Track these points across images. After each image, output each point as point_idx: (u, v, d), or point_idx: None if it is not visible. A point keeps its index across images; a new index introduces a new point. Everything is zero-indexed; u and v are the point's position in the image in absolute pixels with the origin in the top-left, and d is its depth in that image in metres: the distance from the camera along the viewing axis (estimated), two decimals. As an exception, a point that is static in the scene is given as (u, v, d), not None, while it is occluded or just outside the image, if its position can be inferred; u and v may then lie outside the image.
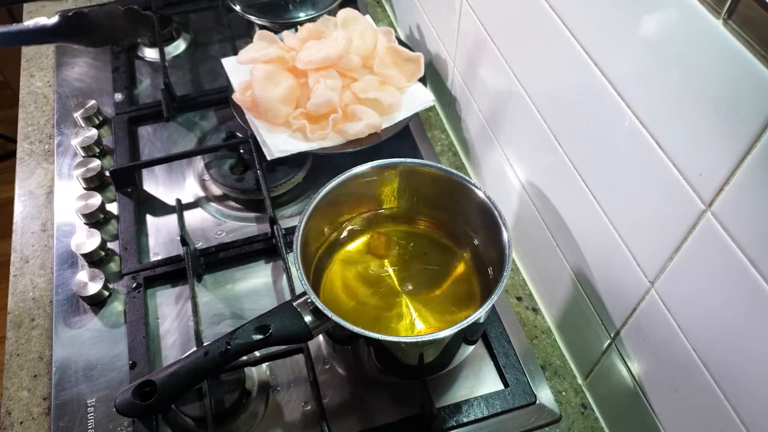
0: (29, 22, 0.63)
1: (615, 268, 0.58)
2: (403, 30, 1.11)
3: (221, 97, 0.94)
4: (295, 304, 0.58)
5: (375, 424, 0.66)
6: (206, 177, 0.88)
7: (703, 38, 0.41)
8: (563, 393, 0.70)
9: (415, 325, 0.65)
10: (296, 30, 0.92)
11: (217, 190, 0.87)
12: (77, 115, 0.94)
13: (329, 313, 0.55)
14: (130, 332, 0.72)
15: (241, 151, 0.88)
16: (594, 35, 0.53)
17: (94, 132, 0.91)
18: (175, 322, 0.74)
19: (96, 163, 0.87)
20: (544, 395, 0.68)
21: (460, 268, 0.70)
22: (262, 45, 0.89)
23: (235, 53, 0.91)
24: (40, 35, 0.63)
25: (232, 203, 0.86)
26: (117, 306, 0.75)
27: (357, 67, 0.86)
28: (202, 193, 0.87)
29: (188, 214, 0.84)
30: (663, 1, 0.44)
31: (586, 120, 0.57)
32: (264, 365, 0.70)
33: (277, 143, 0.82)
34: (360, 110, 0.83)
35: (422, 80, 0.90)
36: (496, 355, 0.71)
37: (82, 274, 0.75)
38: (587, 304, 0.65)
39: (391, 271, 0.69)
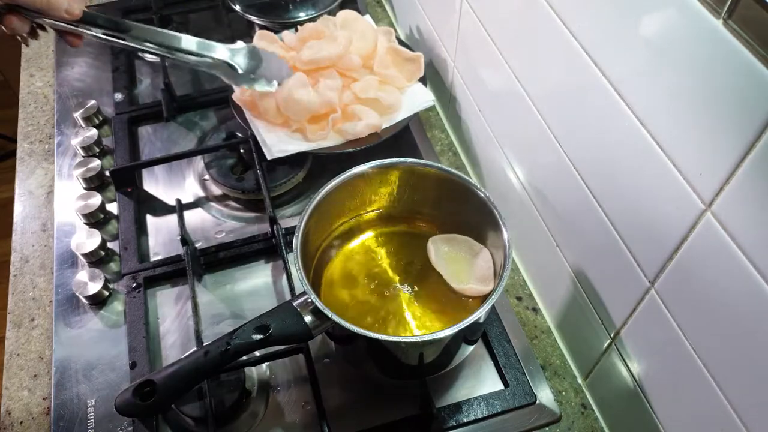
0: None
1: (615, 268, 0.58)
2: (403, 30, 1.11)
3: (221, 97, 0.94)
4: (295, 304, 0.58)
5: (375, 424, 0.66)
6: (206, 177, 0.88)
7: (703, 38, 0.41)
8: (563, 393, 0.70)
9: (415, 324, 0.65)
10: (296, 30, 0.92)
11: (217, 190, 0.87)
12: (77, 115, 0.94)
13: (329, 313, 0.55)
14: (130, 332, 0.72)
15: (241, 151, 0.88)
16: (594, 35, 0.53)
17: (94, 132, 0.91)
18: (175, 322, 0.74)
19: (96, 163, 0.87)
20: (544, 395, 0.68)
21: (460, 268, 0.69)
22: (262, 45, 0.89)
23: (235, 53, 0.91)
24: None
25: (232, 203, 0.86)
26: (117, 306, 0.75)
27: (357, 67, 0.86)
28: (202, 193, 0.87)
29: (188, 214, 0.84)
30: (663, 1, 0.44)
31: (586, 120, 0.58)
32: (264, 365, 0.70)
33: (277, 143, 0.82)
34: (360, 110, 0.83)
35: (422, 80, 0.90)
36: (496, 355, 0.71)
37: (82, 274, 0.75)
38: (587, 304, 0.65)
39: (391, 270, 0.69)
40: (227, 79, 0.75)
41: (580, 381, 0.71)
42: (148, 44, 0.67)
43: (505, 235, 0.61)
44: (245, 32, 1.05)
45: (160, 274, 0.77)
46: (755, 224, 0.41)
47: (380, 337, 0.56)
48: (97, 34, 0.64)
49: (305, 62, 0.85)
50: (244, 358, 0.63)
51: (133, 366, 0.69)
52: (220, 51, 0.72)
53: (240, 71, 0.71)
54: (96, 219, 0.83)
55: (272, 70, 0.77)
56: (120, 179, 0.85)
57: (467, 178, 0.66)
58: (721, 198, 0.43)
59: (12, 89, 1.88)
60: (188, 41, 0.70)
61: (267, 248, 0.80)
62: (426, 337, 0.58)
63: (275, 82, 0.76)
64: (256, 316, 0.58)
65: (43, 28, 0.64)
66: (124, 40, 0.65)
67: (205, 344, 0.59)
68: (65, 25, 0.62)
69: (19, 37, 0.61)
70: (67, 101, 0.98)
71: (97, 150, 0.91)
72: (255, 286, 0.78)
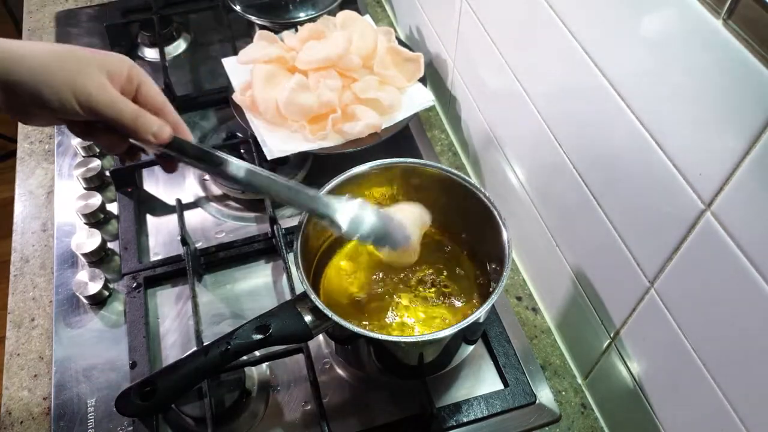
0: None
1: (615, 268, 0.58)
2: (403, 30, 1.11)
3: (221, 97, 0.94)
4: (295, 304, 0.58)
5: (375, 424, 0.66)
6: (206, 177, 0.88)
7: (703, 38, 0.41)
8: (563, 393, 0.70)
9: (415, 324, 0.65)
10: (296, 30, 0.92)
11: (217, 190, 0.87)
12: (77, 115, 0.94)
13: (329, 313, 0.55)
14: (130, 332, 0.72)
15: (241, 151, 0.88)
16: (594, 35, 0.53)
17: (94, 132, 0.90)
18: (175, 322, 0.75)
19: (96, 162, 0.87)
20: (544, 395, 0.68)
21: (460, 268, 0.70)
22: (262, 45, 0.89)
23: (235, 53, 0.91)
24: None
25: (232, 203, 0.86)
26: (117, 306, 0.75)
27: (357, 67, 0.86)
28: (202, 193, 0.87)
29: (188, 214, 0.84)
30: (663, 1, 0.44)
31: (586, 120, 0.58)
32: (264, 365, 0.70)
33: (277, 143, 0.82)
34: (360, 110, 0.83)
35: (422, 80, 0.90)
36: (496, 355, 0.71)
37: (82, 274, 0.75)
38: (587, 304, 0.65)
39: (391, 271, 0.69)
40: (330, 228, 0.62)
41: (579, 381, 0.71)
42: (242, 182, 0.56)
43: (505, 235, 0.61)
44: (245, 32, 1.06)
45: (160, 274, 0.77)
46: (755, 224, 0.41)
47: (380, 337, 0.56)
48: (190, 162, 0.56)
49: (305, 62, 0.85)
50: (244, 358, 0.63)
51: (133, 366, 0.69)
52: (324, 205, 0.60)
53: (342, 230, 0.59)
54: (96, 219, 0.83)
55: (384, 236, 0.62)
56: (120, 179, 0.85)
57: (467, 178, 0.66)
58: (721, 198, 0.43)
59: (12, 89, 1.87)
60: (289, 189, 0.58)
61: (267, 248, 0.80)
62: (426, 337, 0.58)
63: (384, 249, 0.64)
64: (256, 316, 0.58)
65: (144, 151, 0.58)
66: (219, 171, 0.56)
67: (205, 344, 0.59)
68: (160, 148, 0.54)
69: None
70: (67, 101, 0.98)
71: (98, 150, 0.91)
72: (255, 286, 0.78)
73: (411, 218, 0.64)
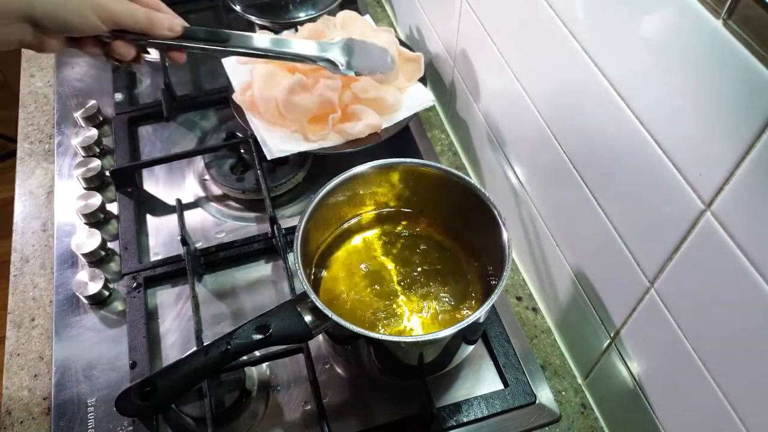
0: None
1: (615, 268, 0.58)
2: (403, 30, 1.11)
3: (221, 97, 0.94)
4: (295, 304, 0.58)
5: (375, 424, 0.66)
6: (206, 177, 0.88)
7: (703, 38, 0.41)
8: (563, 393, 0.70)
9: (415, 324, 0.65)
10: (296, 30, 0.92)
11: (217, 190, 0.87)
12: (77, 114, 0.94)
13: (329, 313, 0.55)
14: (130, 332, 0.72)
15: (241, 151, 0.88)
16: (594, 35, 0.53)
17: (94, 132, 0.91)
18: (175, 322, 0.75)
19: (96, 162, 0.87)
20: (544, 395, 0.68)
21: (460, 268, 0.70)
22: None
23: (236, 53, 0.91)
24: None
25: (232, 203, 0.86)
26: (117, 306, 0.75)
27: (357, 67, 0.86)
28: (202, 193, 0.87)
29: (188, 214, 0.84)
30: (663, 1, 0.44)
31: (586, 120, 0.58)
32: (264, 365, 0.70)
33: (277, 143, 0.82)
34: (360, 110, 0.83)
35: (422, 80, 0.90)
36: (496, 354, 0.71)
37: (82, 274, 0.75)
38: (587, 304, 0.65)
39: (391, 270, 0.69)
40: (328, 70, 0.76)
41: (579, 381, 0.71)
42: (247, 50, 0.70)
43: (505, 235, 0.61)
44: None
45: (160, 274, 0.77)
46: (755, 224, 0.41)
47: (380, 337, 0.56)
48: (198, 46, 0.66)
49: (305, 62, 0.85)
50: (244, 358, 0.63)
51: (133, 366, 0.69)
52: (313, 48, 0.73)
53: (341, 67, 0.73)
54: (96, 219, 0.83)
55: (373, 61, 0.78)
56: (120, 179, 0.85)
57: (467, 178, 0.66)
58: (721, 198, 0.43)
59: (12, 89, 1.88)
60: (286, 44, 0.72)
61: (267, 248, 0.80)
62: (426, 337, 0.58)
63: (378, 73, 0.78)
64: (256, 316, 0.58)
65: (147, 52, 0.66)
66: (224, 47, 0.68)
67: (205, 344, 0.59)
68: (168, 42, 0.63)
69: (124, 65, 0.66)
70: (67, 101, 0.98)
71: (98, 150, 0.91)
72: (255, 286, 0.78)
73: (386, 44, 0.80)
